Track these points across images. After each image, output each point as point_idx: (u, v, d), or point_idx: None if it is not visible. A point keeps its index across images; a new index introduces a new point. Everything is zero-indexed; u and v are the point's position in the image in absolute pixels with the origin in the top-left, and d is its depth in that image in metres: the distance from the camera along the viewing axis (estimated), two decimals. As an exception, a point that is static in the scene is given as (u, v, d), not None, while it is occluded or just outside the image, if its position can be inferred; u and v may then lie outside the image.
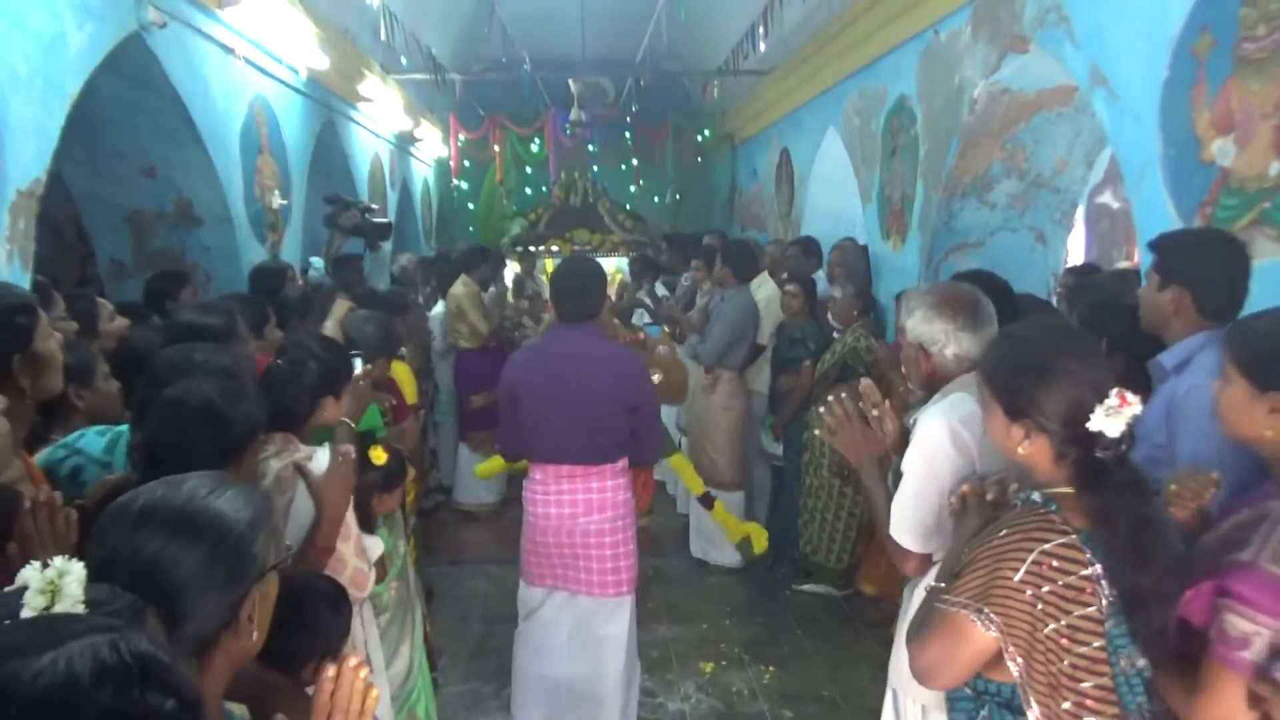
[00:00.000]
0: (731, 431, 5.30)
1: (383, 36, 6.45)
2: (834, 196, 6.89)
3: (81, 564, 0.99)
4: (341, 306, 3.74)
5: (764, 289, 5.54)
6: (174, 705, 0.85)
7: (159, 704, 0.84)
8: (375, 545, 2.56)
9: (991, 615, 1.52)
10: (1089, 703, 1.51)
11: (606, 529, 3.32)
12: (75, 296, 3.23)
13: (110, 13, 3.36)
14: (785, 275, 5.50)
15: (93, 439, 2.04)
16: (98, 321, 2.94)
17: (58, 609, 0.96)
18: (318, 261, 5.63)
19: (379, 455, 2.76)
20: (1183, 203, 2.78)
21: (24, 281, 2.87)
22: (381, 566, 2.68)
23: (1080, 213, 6.25)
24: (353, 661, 1.34)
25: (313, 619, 1.86)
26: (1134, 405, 1.50)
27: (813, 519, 4.92)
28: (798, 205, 7.42)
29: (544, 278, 9.74)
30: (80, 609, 0.95)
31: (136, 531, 1.20)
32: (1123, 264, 7.26)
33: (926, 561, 2.07)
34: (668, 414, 5.36)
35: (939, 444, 2.02)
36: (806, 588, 4.99)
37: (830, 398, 2.23)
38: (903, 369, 2.36)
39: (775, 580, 5.15)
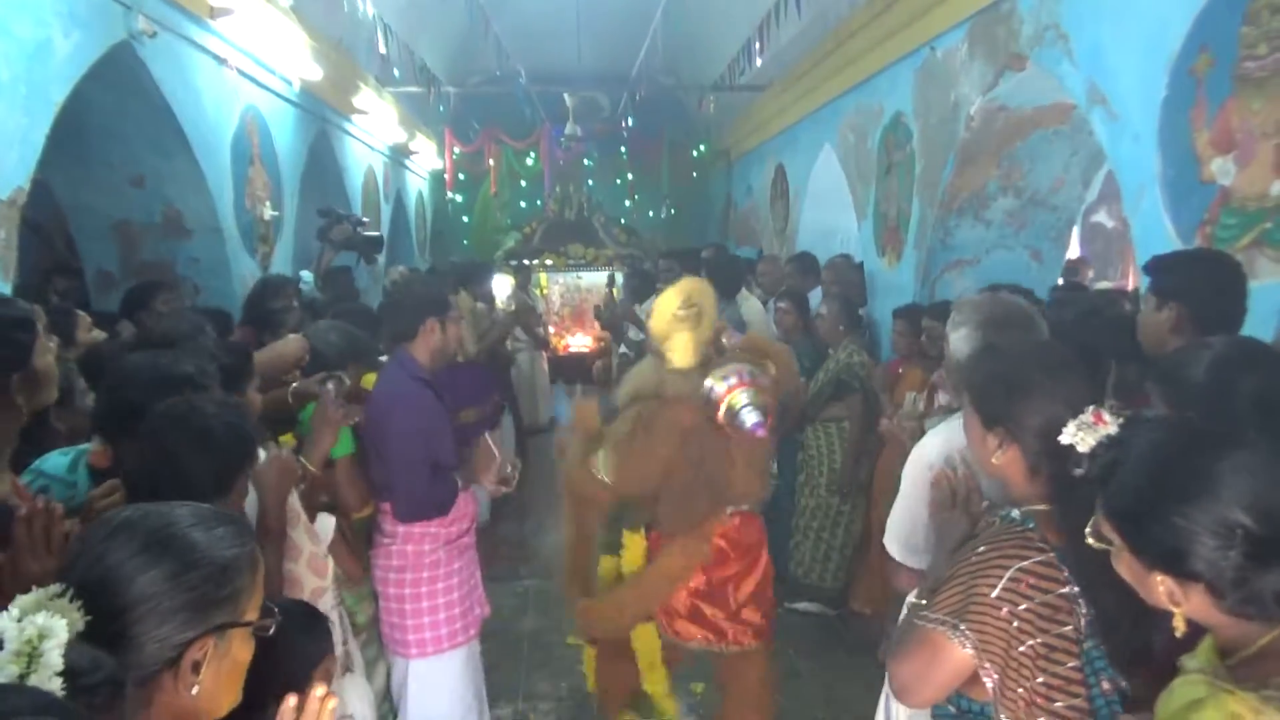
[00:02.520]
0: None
1: (382, 49, 6.42)
2: (829, 212, 6.87)
3: (65, 624, 0.93)
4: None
5: (744, 305, 5.49)
6: None
7: None
8: (327, 524, 2.40)
9: (967, 632, 1.50)
10: None
11: (391, 579, 2.98)
12: (52, 309, 3.19)
13: (98, 21, 3.32)
14: (783, 289, 5.45)
15: (55, 459, 2.01)
16: (75, 333, 2.91)
17: (34, 678, 0.89)
18: (308, 275, 5.57)
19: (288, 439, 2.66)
20: (1182, 222, 2.76)
21: (5, 291, 2.82)
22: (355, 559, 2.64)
23: (1075, 232, 6.26)
24: (319, 691, 1.26)
25: (277, 642, 1.78)
26: (1109, 425, 1.45)
27: (805, 539, 4.85)
28: (793, 221, 7.40)
29: (538, 291, 9.72)
30: (58, 682, 0.89)
31: (106, 542, 1.15)
32: (1103, 284, 7.24)
33: (915, 576, 2.04)
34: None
35: (933, 459, 2.00)
36: (800, 606, 4.92)
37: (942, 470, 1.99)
38: (944, 374, 2.34)
39: (768, 599, 5.09)
